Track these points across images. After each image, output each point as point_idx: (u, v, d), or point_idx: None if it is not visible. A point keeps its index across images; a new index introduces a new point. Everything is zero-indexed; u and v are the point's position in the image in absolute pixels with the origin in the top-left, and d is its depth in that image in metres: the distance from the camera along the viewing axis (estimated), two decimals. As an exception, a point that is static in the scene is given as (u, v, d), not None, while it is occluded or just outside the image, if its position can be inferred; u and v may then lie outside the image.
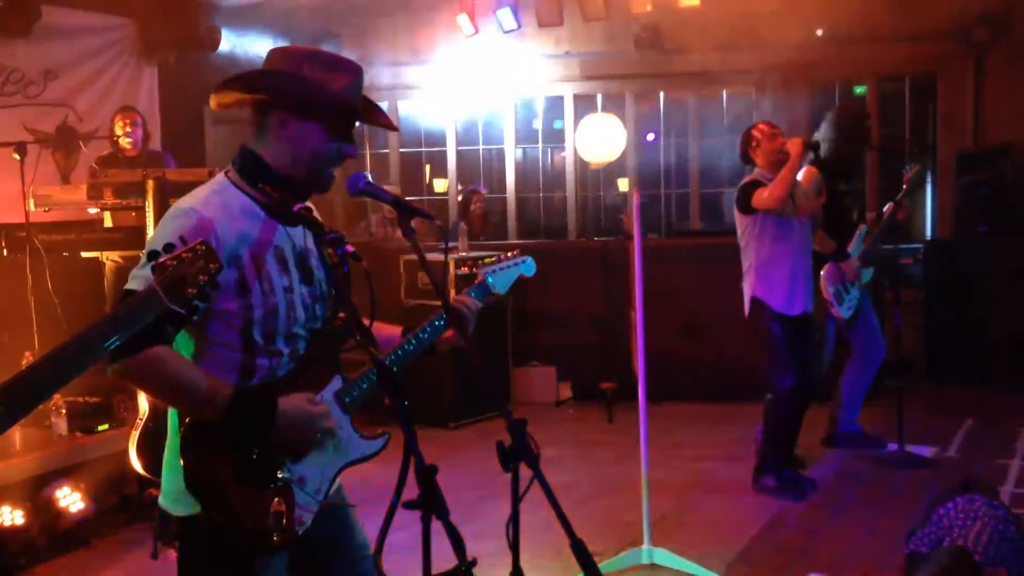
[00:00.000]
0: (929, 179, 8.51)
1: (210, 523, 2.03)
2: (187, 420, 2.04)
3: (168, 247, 1.79)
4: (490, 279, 2.55)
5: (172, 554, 4.44)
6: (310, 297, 2.18)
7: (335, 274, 2.15)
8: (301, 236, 2.19)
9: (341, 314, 2.22)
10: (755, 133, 5.08)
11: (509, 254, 2.63)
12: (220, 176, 2.17)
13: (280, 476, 2.06)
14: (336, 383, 2.20)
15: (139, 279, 1.95)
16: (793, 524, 4.69)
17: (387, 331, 2.37)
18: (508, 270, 2.60)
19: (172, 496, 2.13)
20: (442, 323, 2.34)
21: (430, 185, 10.24)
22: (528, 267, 2.66)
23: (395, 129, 2.16)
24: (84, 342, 1.64)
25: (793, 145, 4.91)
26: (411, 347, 2.30)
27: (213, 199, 2.08)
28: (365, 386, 2.21)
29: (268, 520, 2.00)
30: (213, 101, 2.18)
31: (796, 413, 5.07)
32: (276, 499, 2.02)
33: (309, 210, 2.21)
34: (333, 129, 2.12)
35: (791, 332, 4.98)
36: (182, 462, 2.02)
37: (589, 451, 6.07)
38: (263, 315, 2.08)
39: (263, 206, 2.13)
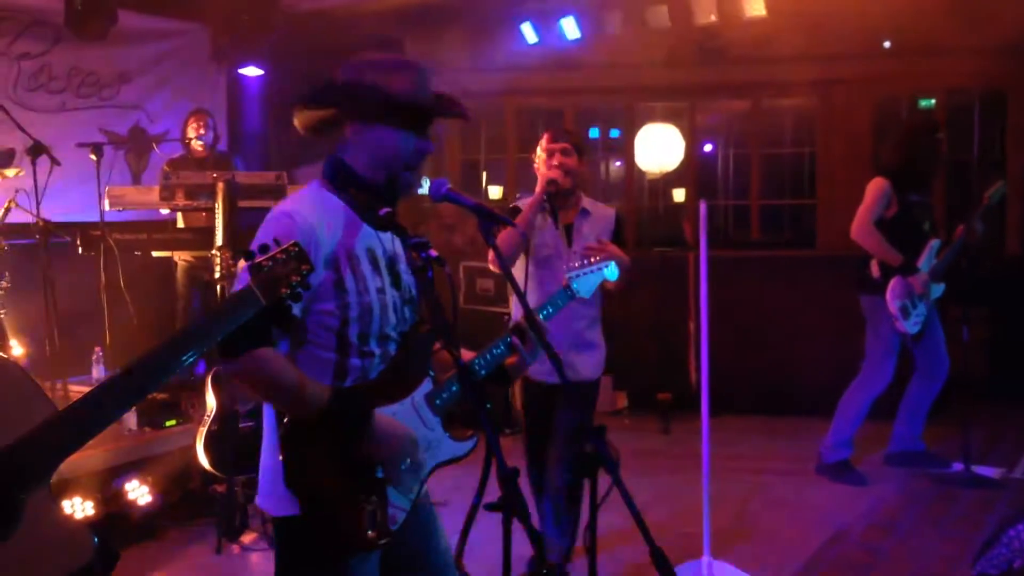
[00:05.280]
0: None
1: (308, 523, 2.06)
2: (285, 420, 2.07)
3: (263, 248, 1.84)
4: (575, 284, 2.52)
5: (235, 549, 4.57)
6: (400, 300, 2.22)
7: (420, 278, 2.18)
8: (390, 240, 2.24)
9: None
10: (538, 149, 3.99)
11: (593, 259, 2.60)
12: (314, 182, 2.23)
13: (376, 475, 2.08)
14: (427, 385, 2.23)
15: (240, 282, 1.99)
16: (855, 541, 4.63)
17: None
18: (592, 274, 2.57)
19: (271, 497, 2.15)
20: (510, 339, 2.29)
21: (486, 191, 10.29)
22: (612, 272, 2.62)
23: (468, 118, 2.13)
24: (188, 334, 1.70)
25: (540, 181, 3.81)
26: (495, 354, 2.31)
27: (309, 202, 2.14)
28: (455, 388, 2.23)
29: (365, 518, 2.03)
30: (297, 122, 2.24)
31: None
32: (372, 497, 2.05)
33: (393, 215, 2.25)
34: (404, 127, 2.14)
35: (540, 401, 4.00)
36: (281, 460, 2.05)
37: (645, 461, 6.04)
38: (359, 314, 2.11)
39: (355, 209, 2.18)
